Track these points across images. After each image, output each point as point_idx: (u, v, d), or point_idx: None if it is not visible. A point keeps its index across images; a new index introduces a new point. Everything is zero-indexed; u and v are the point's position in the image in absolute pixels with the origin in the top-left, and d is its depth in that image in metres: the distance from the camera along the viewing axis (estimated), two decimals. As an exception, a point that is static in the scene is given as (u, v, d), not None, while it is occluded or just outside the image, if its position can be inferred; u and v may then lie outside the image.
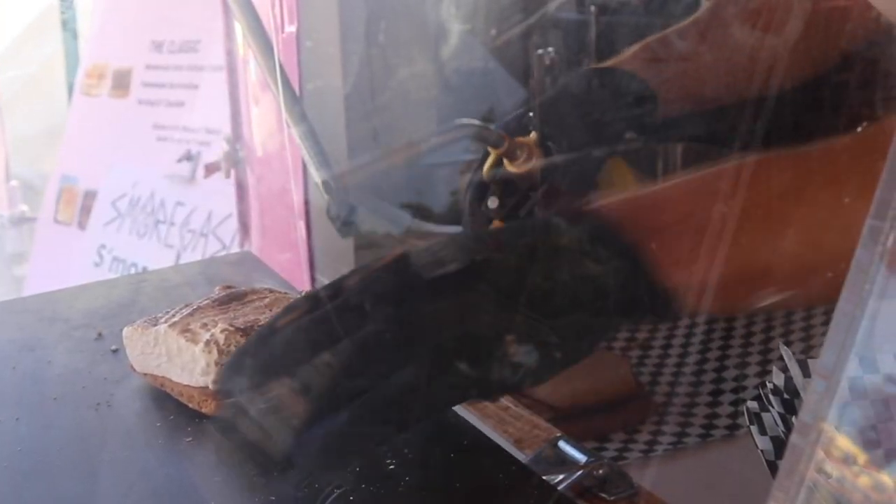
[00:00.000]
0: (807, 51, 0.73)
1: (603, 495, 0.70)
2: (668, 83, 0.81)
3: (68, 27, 3.36)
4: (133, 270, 2.33)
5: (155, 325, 0.77)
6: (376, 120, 1.38)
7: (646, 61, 0.83)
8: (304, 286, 1.11)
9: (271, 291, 0.83)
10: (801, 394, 0.70)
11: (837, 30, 0.72)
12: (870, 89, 0.60)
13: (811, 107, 0.64)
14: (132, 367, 0.80)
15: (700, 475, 0.87)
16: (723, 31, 0.81)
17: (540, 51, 1.01)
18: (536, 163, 0.83)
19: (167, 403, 0.76)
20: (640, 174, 0.88)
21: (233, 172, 1.44)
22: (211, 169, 1.70)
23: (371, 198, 1.17)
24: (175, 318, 0.77)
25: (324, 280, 1.11)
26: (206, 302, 0.80)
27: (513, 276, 0.58)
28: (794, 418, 0.71)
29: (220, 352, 0.72)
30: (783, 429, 0.72)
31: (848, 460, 0.38)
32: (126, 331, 0.79)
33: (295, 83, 1.06)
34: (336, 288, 0.59)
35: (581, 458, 0.74)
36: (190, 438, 0.72)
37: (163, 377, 0.76)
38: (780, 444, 0.72)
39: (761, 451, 0.72)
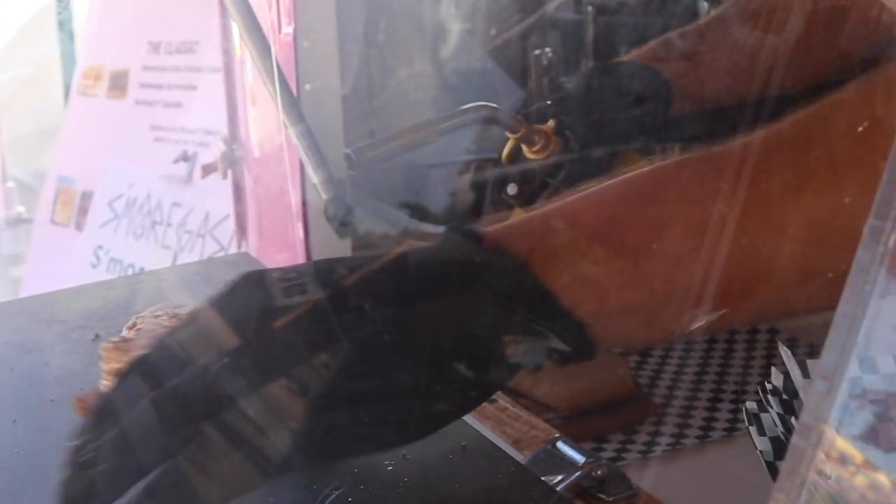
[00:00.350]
0: (807, 51, 0.73)
1: (601, 496, 0.70)
2: (682, 80, 0.82)
3: (65, 28, 3.36)
4: (130, 271, 2.33)
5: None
6: (374, 121, 1.38)
7: (658, 60, 0.83)
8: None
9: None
10: (801, 394, 0.70)
11: (838, 30, 0.72)
12: (870, 88, 0.60)
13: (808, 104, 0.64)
14: None
15: (699, 476, 0.87)
16: (731, 31, 0.81)
17: (538, 51, 1.01)
18: (554, 149, 0.84)
19: (165, 405, 0.76)
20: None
21: (230, 173, 1.44)
22: (208, 170, 1.70)
23: (369, 198, 1.17)
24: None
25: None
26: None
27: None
28: (793, 419, 0.71)
29: None
30: (782, 430, 0.72)
31: (845, 460, 0.38)
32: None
33: (292, 84, 1.06)
34: (334, 287, 0.59)
35: (580, 458, 0.73)
36: (188, 440, 0.71)
37: None
38: (779, 445, 0.72)
39: (760, 451, 0.72)
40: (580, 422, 0.92)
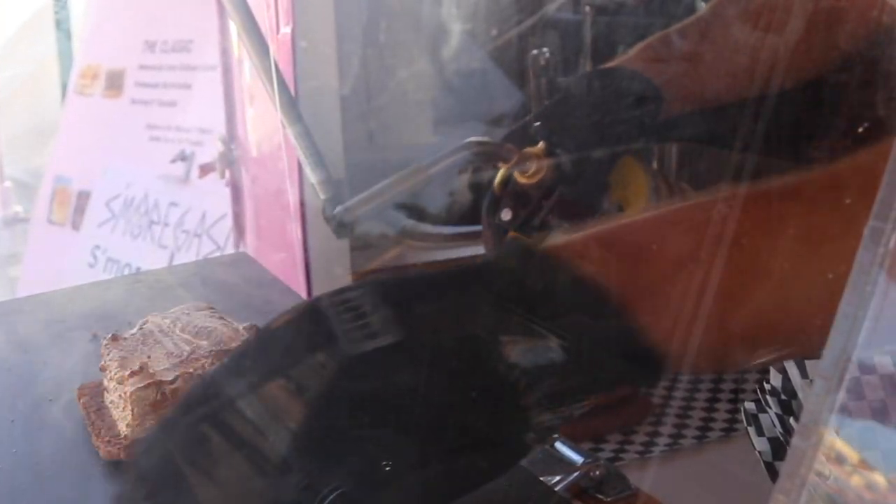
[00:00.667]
0: (808, 51, 0.73)
1: (600, 496, 0.70)
2: (671, 82, 0.81)
3: (62, 27, 3.35)
4: (127, 271, 2.33)
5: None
6: (372, 120, 1.38)
7: (649, 61, 0.83)
8: (300, 287, 1.11)
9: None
10: (799, 395, 0.70)
11: (838, 30, 0.72)
12: (870, 90, 0.60)
13: (811, 107, 0.64)
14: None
15: (697, 476, 0.87)
16: (724, 30, 0.81)
17: (535, 51, 1.01)
18: (547, 172, 0.83)
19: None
20: (651, 171, 0.88)
21: (227, 173, 1.44)
22: (205, 169, 1.69)
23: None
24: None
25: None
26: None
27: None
28: (791, 419, 0.71)
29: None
30: (781, 430, 0.72)
31: (842, 460, 0.38)
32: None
33: (290, 83, 1.06)
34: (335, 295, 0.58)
35: (578, 458, 0.73)
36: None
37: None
38: (777, 446, 0.72)
39: (759, 452, 0.72)
40: (579, 422, 0.92)
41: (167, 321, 0.76)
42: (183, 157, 2.28)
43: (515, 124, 0.90)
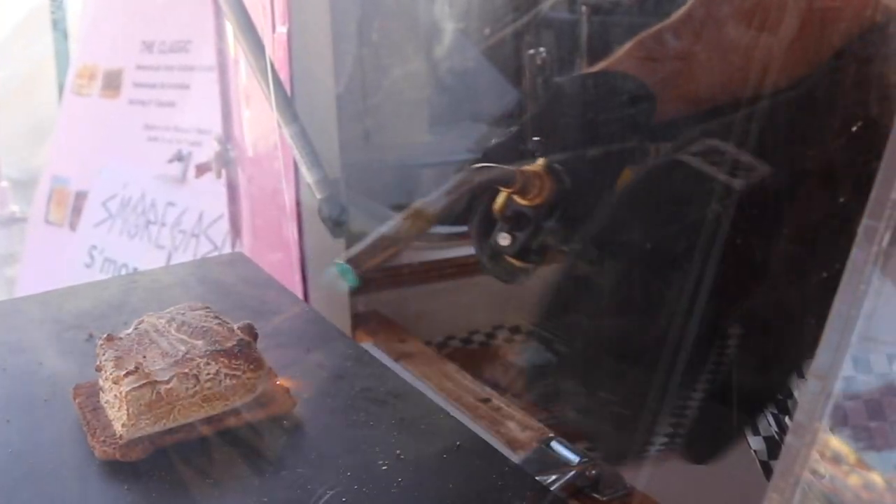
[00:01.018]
0: (802, 50, 0.73)
1: (596, 495, 0.70)
2: (664, 82, 0.81)
3: (59, 27, 3.35)
4: (124, 271, 2.33)
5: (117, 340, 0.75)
6: (368, 120, 1.38)
7: (640, 60, 0.82)
8: (296, 286, 1.11)
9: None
10: (795, 394, 0.70)
11: (832, 28, 0.72)
12: (864, 87, 0.60)
13: (805, 105, 0.64)
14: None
15: (692, 475, 0.87)
16: (716, 28, 0.81)
17: (531, 51, 1.00)
18: (548, 191, 0.78)
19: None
20: None
21: (224, 173, 1.43)
22: (202, 169, 1.69)
23: (363, 199, 1.17)
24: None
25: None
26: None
27: None
28: (787, 419, 0.71)
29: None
30: (776, 429, 0.72)
31: (839, 460, 0.38)
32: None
33: (286, 83, 1.06)
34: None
35: (574, 458, 0.74)
36: (182, 440, 0.71)
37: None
38: (773, 445, 0.72)
39: (754, 451, 0.72)
40: (575, 422, 0.92)
41: (162, 321, 0.76)
42: (180, 158, 2.28)
43: (506, 135, 0.86)
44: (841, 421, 0.38)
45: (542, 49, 0.99)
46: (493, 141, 0.85)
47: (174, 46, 2.39)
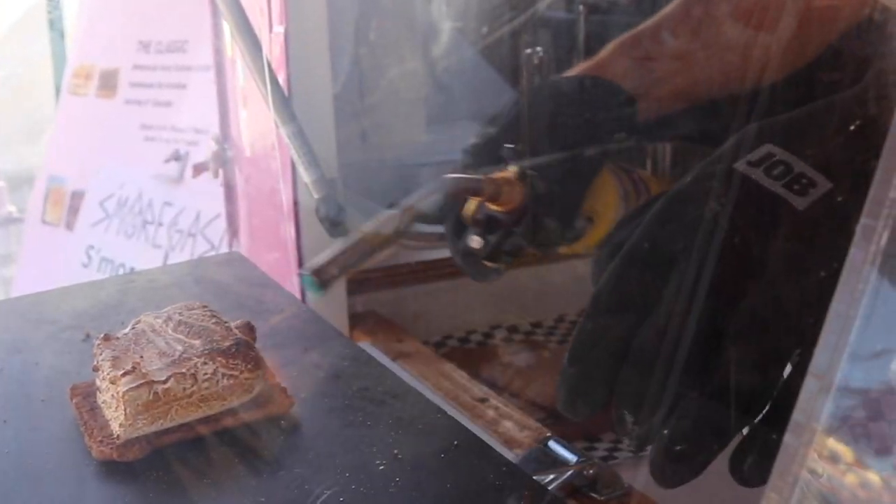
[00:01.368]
0: (799, 46, 0.73)
1: (594, 495, 0.70)
2: (650, 81, 0.81)
3: (55, 27, 3.35)
4: (121, 271, 2.33)
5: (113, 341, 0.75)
6: (365, 119, 1.38)
7: (620, 60, 0.83)
8: (293, 286, 1.11)
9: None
10: (793, 393, 0.70)
11: (827, 23, 0.72)
12: (861, 84, 0.60)
13: (800, 102, 0.63)
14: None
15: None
16: (706, 25, 0.81)
17: (528, 50, 1.00)
18: (519, 197, 0.79)
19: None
20: (619, 176, 0.86)
21: (221, 172, 1.43)
22: (199, 169, 1.69)
23: (360, 198, 1.17)
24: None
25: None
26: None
27: None
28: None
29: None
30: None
31: (836, 459, 0.38)
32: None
33: (283, 83, 1.05)
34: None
35: (571, 457, 0.74)
36: (179, 440, 0.71)
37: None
38: (771, 444, 0.72)
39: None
40: (572, 421, 0.92)
41: (159, 321, 0.76)
42: (177, 157, 2.28)
43: (482, 138, 0.86)
44: (839, 420, 0.38)
45: (539, 48, 0.99)
46: (472, 140, 0.86)
47: (171, 46, 2.39)
